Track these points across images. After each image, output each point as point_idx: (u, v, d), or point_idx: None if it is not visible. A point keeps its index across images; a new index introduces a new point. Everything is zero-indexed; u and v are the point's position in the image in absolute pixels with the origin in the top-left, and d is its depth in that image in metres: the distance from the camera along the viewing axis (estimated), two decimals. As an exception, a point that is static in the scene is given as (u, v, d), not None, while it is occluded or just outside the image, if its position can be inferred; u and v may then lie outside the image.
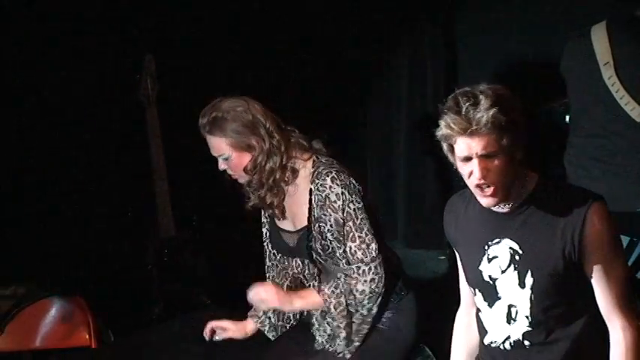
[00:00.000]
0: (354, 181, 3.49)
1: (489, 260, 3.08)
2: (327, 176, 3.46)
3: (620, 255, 3.08)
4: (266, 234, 3.78)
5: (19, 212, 5.11)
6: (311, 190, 3.50)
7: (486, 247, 3.08)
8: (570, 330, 3.06)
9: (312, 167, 3.53)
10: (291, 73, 5.49)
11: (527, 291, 3.04)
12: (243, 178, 3.56)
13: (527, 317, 3.06)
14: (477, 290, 3.13)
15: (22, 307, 4.43)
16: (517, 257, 3.04)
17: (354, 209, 3.46)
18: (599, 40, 4.32)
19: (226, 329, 3.75)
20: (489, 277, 3.09)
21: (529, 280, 3.04)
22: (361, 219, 3.46)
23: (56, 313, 4.36)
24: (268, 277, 3.80)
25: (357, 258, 3.46)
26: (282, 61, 5.38)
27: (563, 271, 3.01)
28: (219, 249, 5.31)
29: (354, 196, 3.46)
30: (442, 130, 2.91)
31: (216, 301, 5.02)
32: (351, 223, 3.46)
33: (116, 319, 4.57)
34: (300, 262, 3.69)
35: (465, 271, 3.21)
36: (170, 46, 5.26)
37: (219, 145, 3.52)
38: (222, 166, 3.56)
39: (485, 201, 2.99)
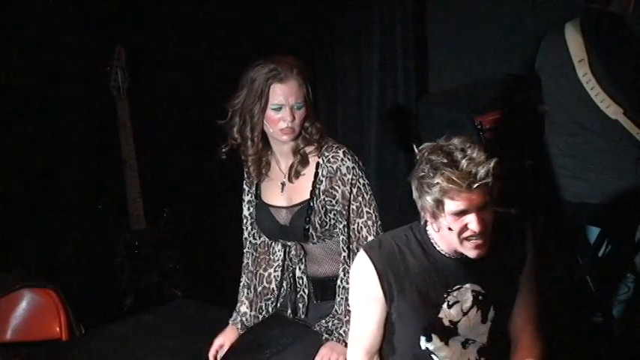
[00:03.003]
0: (361, 162, 3.56)
1: (450, 306, 3.04)
2: (339, 149, 3.54)
3: (539, 276, 3.13)
4: (249, 215, 3.72)
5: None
6: (318, 163, 3.54)
7: (446, 295, 3.03)
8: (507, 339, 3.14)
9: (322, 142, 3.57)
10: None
11: (488, 324, 3.07)
12: (294, 133, 3.51)
13: (482, 344, 3.09)
14: (432, 335, 3.05)
15: (-8, 300, 4.40)
16: (480, 297, 3.04)
17: (364, 184, 3.54)
18: (573, 37, 4.34)
19: (223, 344, 3.70)
20: (450, 322, 3.05)
21: (491, 314, 3.06)
22: (370, 195, 3.54)
23: (27, 306, 4.33)
24: (245, 265, 3.75)
25: (363, 236, 3.50)
26: (254, 54, 5.37)
27: (517, 297, 3.09)
28: (190, 241, 5.30)
29: (362, 172, 3.55)
30: (441, 185, 2.84)
31: (188, 294, 5.02)
32: (360, 199, 3.52)
33: (86, 312, 4.55)
34: (284, 246, 3.65)
35: (410, 321, 3.06)
36: (141, 37, 5.24)
37: (301, 91, 3.49)
38: (293, 114, 3.47)
39: (475, 252, 2.95)
